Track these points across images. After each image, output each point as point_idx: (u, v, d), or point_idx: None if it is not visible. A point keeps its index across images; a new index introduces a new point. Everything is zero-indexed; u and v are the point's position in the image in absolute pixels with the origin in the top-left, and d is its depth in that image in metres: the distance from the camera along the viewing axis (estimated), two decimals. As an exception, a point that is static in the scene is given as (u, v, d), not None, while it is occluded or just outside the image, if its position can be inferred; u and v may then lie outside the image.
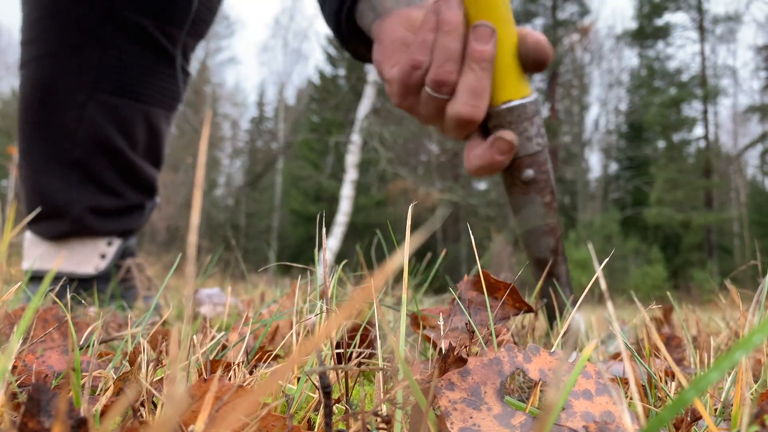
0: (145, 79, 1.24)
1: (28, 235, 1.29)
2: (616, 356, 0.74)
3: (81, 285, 1.24)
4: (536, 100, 0.76)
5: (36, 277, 1.24)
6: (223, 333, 0.58)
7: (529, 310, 0.64)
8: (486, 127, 0.78)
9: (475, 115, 0.72)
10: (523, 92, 0.75)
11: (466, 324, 0.51)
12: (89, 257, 1.27)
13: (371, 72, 10.58)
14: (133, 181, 1.30)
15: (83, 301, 0.85)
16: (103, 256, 1.28)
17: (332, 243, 9.60)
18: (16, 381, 0.44)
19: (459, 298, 0.59)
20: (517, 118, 0.75)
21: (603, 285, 0.29)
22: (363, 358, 0.57)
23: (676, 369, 0.33)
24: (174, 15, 1.24)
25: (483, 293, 0.57)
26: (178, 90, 1.33)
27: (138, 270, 1.33)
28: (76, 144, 1.20)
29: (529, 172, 0.77)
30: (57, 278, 1.22)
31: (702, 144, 21.55)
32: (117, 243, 1.30)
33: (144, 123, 1.27)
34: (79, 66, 1.18)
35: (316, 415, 0.41)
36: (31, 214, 1.17)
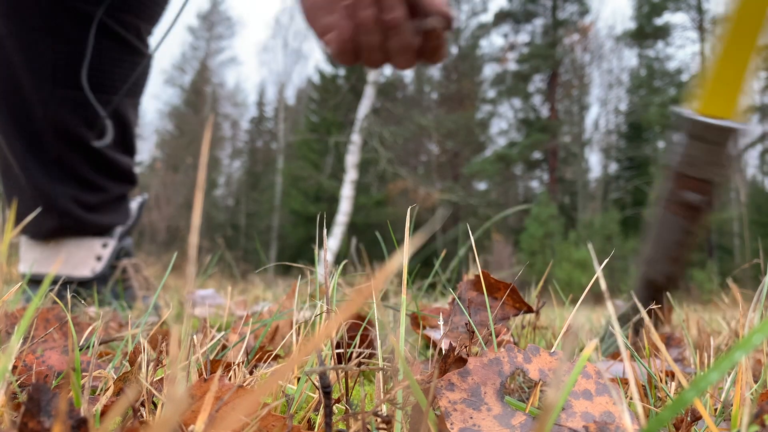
0: (105, 69, 1.22)
1: (24, 239, 1.29)
2: (615, 356, 0.74)
3: (78, 287, 1.24)
4: (743, 131, 0.68)
5: (33, 281, 1.24)
6: (223, 333, 0.58)
7: (529, 310, 0.64)
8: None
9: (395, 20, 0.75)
10: (738, 116, 0.68)
11: (466, 324, 0.51)
12: (85, 260, 1.26)
13: (371, 72, 10.58)
14: (109, 172, 1.28)
15: (83, 302, 0.85)
16: (98, 258, 1.28)
17: (332, 243, 9.60)
18: (17, 381, 0.44)
19: (459, 298, 0.59)
20: (715, 138, 0.68)
21: (603, 285, 0.29)
22: (363, 358, 0.57)
23: (676, 369, 0.33)
24: (124, 1, 1.21)
25: (483, 293, 0.57)
26: (141, 76, 1.30)
27: (135, 270, 1.33)
28: (48, 141, 1.19)
29: (693, 196, 0.70)
30: (54, 282, 1.22)
31: (702, 144, 21.51)
32: (112, 244, 1.30)
33: (110, 114, 1.24)
34: (36, 61, 1.16)
35: (316, 415, 0.41)
36: (32, 214, 1.17)
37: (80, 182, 1.23)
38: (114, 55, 1.23)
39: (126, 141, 1.31)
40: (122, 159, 1.30)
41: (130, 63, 1.26)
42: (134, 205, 1.41)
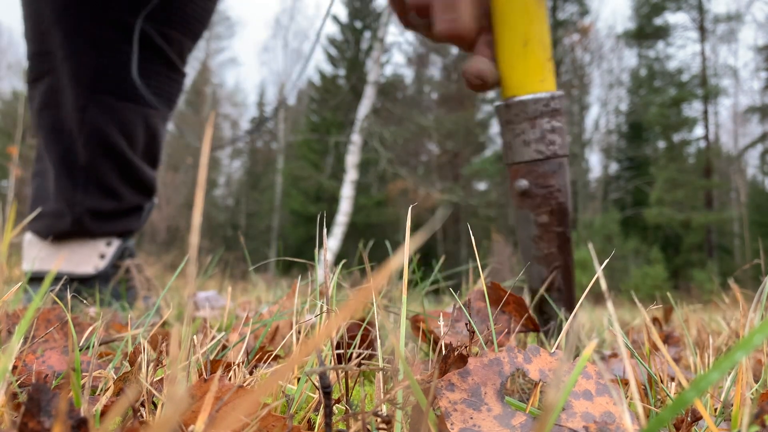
0: (143, 81, 1.25)
1: (28, 235, 1.30)
2: (614, 356, 0.74)
3: (81, 285, 1.25)
4: (546, 99, 0.66)
5: (35, 278, 1.24)
6: (223, 333, 0.58)
7: (535, 329, 0.64)
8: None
9: (455, 28, 0.69)
10: (529, 88, 0.66)
11: (467, 324, 0.51)
12: (88, 257, 1.27)
13: (371, 72, 10.58)
14: (133, 182, 1.30)
15: (84, 301, 0.85)
16: (102, 256, 1.29)
17: (332, 243, 9.60)
18: (17, 381, 0.44)
19: (466, 306, 0.59)
20: (514, 117, 0.66)
21: (603, 285, 0.29)
22: (363, 358, 0.57)
23: (676, 369, 0.33)
24: (169, 16, 1.25)
25: (491, 304, 0.57)
26: (175, 91, 1.34)
27: (137, 270, 1.33)
28: (81, 147, 1.22)
29: (522, 183, 0.66)
30: (57, 278, 1.23)
31: (702, 144, 21.55)
32: (116, 243, 1.31)
33: (143, 124, 1.28)
34: (78, 69, 1.19)
35: (316, 415, 0.41)
36: (33, 213, 1.18)
37: (104, 190, 1.26)
38: (151, 66, 1.26)
39: (152, 152, 1.33)
40: (147, 170, 1.33)
41: (166, 77, 1.29)
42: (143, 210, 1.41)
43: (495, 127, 23.56)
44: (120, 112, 1.23)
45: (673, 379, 0.52)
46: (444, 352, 0.43)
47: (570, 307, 0.68)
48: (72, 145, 1.22)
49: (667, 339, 0.82)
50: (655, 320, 1.13)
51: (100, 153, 1.23)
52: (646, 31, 22.61)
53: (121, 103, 1.23)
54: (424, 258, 1.12)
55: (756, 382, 0.52)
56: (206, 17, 1.35)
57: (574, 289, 0.69)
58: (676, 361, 0.75)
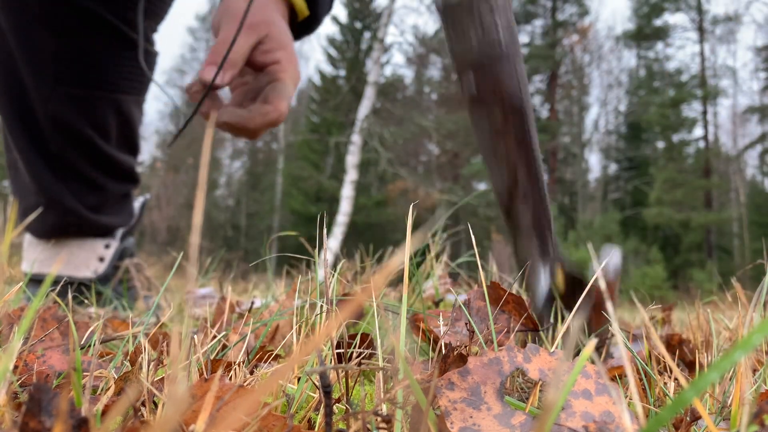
0: (109, 67, 1.20)
1: (27, 236, 1.29)
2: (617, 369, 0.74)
3: (80, 289, 1.24)
4: None
5: (35, 280, 1.24)
6: (223, 333, 0.58)
7: (535, 329, 0.64)
8: None
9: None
10: None
11: (467, 324, 0.51)
12: (87, 261, 1.26)
13: (371, 72, 10.59)
14: (112, 172, 1.26)
15: (84, 302, 0.85)
16: (101, 259, 1.27)
17: (332, 243, 9.60)
18: (18, 381, 0.44)
19: (466, 306, 0.59)
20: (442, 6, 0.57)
21: (603, 285, 0.29)
22: (363, 358, 0.57)
23: (675, 369, 0.33)
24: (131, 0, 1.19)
25: (491, 304, 0.57)
26: (145, 73, 1.27)
27: (137, 270, 1.33)
28: (50, 139, 1.18)
29: (466, 79, 0.58)
30: (56, 282, 1.22)
31: (701, 144, 21.55)
32: (114, 245, 1.30)
33: (114, 112, 1.23)
34: (36, 57, 1.14)
35: (317, 414, 0.41)
36: (34, 213, 1.17)
37: (82, 181, 1.22)
38: (116, 51, 1.21)
39: (129, 139, 1.29)
40: (124, 158, 1.29)
41: (133, 60, 1.23)
42: (136, 205, 1.40)
43: (495, 128, 23.50)
44: (87, 101, 1.18)
45: (671, 376, 0.52)
46: (444, 351, 0.44)
47: (540, 223, 0.62)
48: (41, 135, 1.17)
49: (668, 340, 0.82)
50: (663, 321, 1.13)
51: (70, 145, 1.19)
52: (645, 32, 22.61)
53: (87, 91, 1.18)
54: (423, 257, 1.12)
55: (755, 382, 0.53)
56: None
57: (546, 201, 0.63)
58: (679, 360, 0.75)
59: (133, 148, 1.32)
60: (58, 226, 1.22)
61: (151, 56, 1.29)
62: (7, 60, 1.16)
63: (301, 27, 0.98)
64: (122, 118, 1.25)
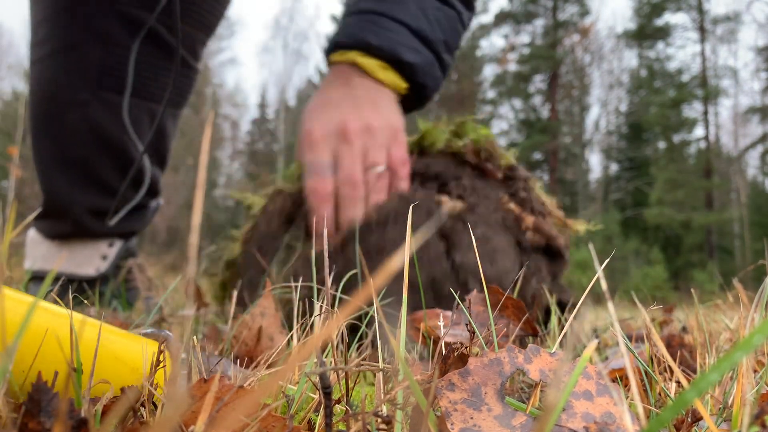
0: (150, 76, 1.21)
1: (31, 233, 1.29)
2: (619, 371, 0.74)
3: (82, 286, 1.24)
4: None
5: (37, 278, 1.24)
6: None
7: (534, 333, 0.64)
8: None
9: None
10: None
11: (467, 324, 0.51)
12: (90, 258, 1.26)
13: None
14: (137, 182, 1.27)
15: (85, 302, 0.85)
16: (104, 258, 1.27)
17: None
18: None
19: (466, 308, 0.58)
20: None
21: (604, 285, 0.29)
22: (363, 358, 0.57)
23: (676, 369, 0.33)
24: (180, 9, 1.20)
25: (490, 308, 0.57)
26: (185, 87, 1.29)
27: (139, 270, 1.32)
28: (79, 143, 1.18)
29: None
30: (57, 279, 1.22)
31: (702, 145, 21.54)
32: (118, 244, 1.30)
33: (149, 122, 1.23)
34: (82, 63, 1.16)
35: (317, 415, 0.41)
36: (34, 213, 1.16)
37: (102, 187, 1.22)
38: (158, 63, 1.21)
39: (159, 152, 1.29)
40: (152, 170, 1.29)
41: (175, 73, 1.22)
42: (149, 211, 1.38)
43: (495, 128, 23.58)
44: (125, 108, 1.19)
45: (672, 374, 0.52)
46: (444, 352, 0.43)
47: None
48: (68, 141, 1.18)
49: (669, 340, 0.82)
50: (663, 322, 1.13)
51: (100, 150, 1.20)
52: (646, 32, 22.61)
53: (126, 99, 1.19)
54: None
55: (756, 382, 0.52)
56: (219, 9, 1.30)
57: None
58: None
59: (162, 162, 1.31)
60: (68, 234, 1.23)
61: (192, 71, 1.29)
62: (45, 67, 1.17)
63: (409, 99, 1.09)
64: (156, 129, 1.24)
